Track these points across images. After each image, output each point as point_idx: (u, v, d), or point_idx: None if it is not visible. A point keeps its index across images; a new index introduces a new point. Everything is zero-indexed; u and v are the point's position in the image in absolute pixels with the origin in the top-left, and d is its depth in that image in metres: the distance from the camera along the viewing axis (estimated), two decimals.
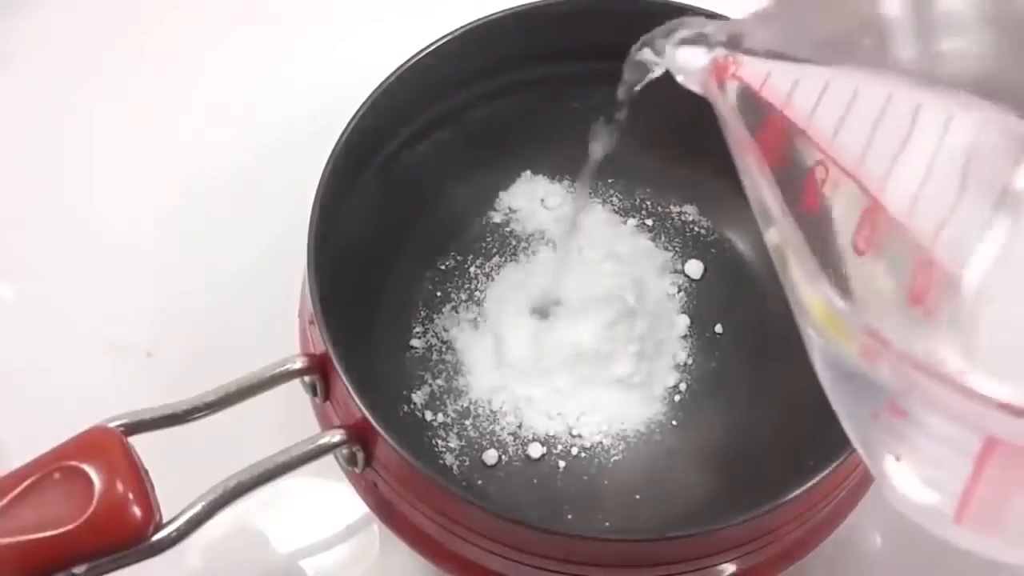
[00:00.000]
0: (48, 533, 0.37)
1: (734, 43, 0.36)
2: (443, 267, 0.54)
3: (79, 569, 0.38)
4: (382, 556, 0.51)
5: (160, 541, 0.39)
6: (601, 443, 0.51)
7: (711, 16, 0.39)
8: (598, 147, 0.46)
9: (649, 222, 0.56)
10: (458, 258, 0.54)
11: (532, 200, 0.56)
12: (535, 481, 0.50)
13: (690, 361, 0.53)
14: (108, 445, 0.39)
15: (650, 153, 0.52)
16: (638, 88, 0.41)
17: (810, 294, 0.32)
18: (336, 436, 0.43)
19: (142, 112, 0.62)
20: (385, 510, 0.45)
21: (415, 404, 0.51)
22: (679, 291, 0.54)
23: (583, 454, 0.50)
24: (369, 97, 0.48)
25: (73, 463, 0.38)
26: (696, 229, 0.56)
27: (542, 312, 0.52)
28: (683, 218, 0.56)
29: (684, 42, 0.37)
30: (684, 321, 0.53)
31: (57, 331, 0.55)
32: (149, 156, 0.61)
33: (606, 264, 0.54)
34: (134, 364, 0.54)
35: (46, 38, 0.64)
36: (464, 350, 0.52)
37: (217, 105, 0.62)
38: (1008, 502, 0.31)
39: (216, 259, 0.57)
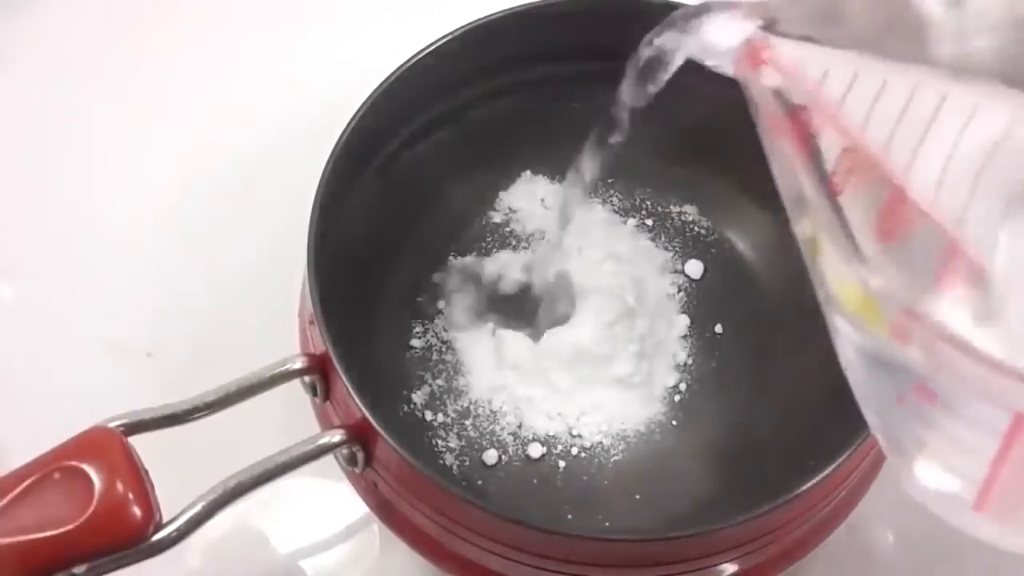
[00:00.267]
0: (48, 533, 0.37)
1: (769, 25, 0.36)
2: (443, 267, 0.54)
3: (79, 569, 0.38)
4: (382, 556, 0.51)
5: (160, 541, 0.39)
6: (601, 443, 0.51)
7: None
8: (589, 167, 0.46)
9: (649, 222, 0.56)
10: (458, 258, 0.54)
11: (532, 200, 0.56)
12: (535, 481, 0.50)
13: (690, 361, 0.52)
14: (108, 445, 0.39)
15: (650, 153, 0.52)
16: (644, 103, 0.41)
17: (843, 279, 0.32)
18: (336, 436, 0.43)
19: (142, 112, 0.62)
20: (385, 510, 0.45)
21: (415, 404, 0.51)
22: (679, 291, 0.54)
23: (583, 454, 0.50)
24: (369, 97, 0.48)
25: (73, 463, 0.38)
26: (696, 229, 0.56)
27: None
28: (683, 218, 0.56)
29: (716, 19, 0.37)
30: (684, 321, 0.53)
31: (57, 331, 0.55)
32: (149, 156, 0.61)
33: (606, 264, 0.53)
34: (134, 364, 0.54)
35: (46, 38, 0.64)
36: (464, 350, 0.52)
37: (217, 105, 0.62)
38: None
39: (216, 259, 0.57)
